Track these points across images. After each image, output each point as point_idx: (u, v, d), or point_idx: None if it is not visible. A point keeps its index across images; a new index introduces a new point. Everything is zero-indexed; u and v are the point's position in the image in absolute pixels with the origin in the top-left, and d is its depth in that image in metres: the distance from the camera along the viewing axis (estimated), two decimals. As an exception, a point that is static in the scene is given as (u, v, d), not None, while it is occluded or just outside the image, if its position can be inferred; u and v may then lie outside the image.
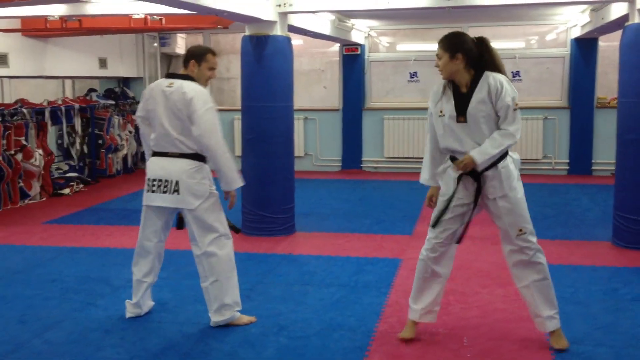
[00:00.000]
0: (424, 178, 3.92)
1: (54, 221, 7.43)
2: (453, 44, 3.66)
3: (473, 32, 10.80)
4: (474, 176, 3.70)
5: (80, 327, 4.22)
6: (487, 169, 3.68)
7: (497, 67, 3.72)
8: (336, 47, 11.23)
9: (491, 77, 3.66)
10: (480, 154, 3.60)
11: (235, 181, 4.16)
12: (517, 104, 3.66)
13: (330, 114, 11.28)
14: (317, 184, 9.91)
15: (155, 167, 4.12)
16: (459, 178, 3.72)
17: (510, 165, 3.74)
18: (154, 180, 4.10)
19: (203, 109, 3.97)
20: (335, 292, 4.84)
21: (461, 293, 4.81)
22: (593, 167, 10.43)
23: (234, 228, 4.26)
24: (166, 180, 4.05)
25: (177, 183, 4.02)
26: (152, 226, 4.25)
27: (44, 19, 7.40)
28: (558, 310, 3.87)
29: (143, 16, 7.18)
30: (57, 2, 6.30)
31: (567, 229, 6.87)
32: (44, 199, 8.69)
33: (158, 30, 10.03)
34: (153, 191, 4.11)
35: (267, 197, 6.60)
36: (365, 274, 5.30)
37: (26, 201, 8.40)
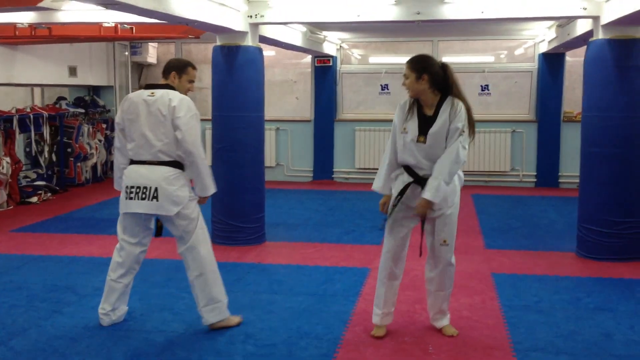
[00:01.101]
0: (378, 186, 4.14)
1: (21, 229, 7.34)
2: (420, 65, 3.87)
3: (443, 46, 11.08)
4: (422, 184, 3.91)
5: (46, 335, 4.18)
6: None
7: (459, 93, 3.94)
8: (308, 58, 11.30)
9: (455, 101, 3.90)
10: (435, 194, 3.85)
11: (210, 187, 4.24)
12: (463, 131, 3.87)
13: (302, 125, 11.33)
14: (288, 194, 9.94)
15: (134, 174, 4.14)
16: (408, 184, 3.96)
17: (456, 181, 4.04)
18: (132, 187, 4.12)
19: (187, 116, 4.08)
20: (303, 301, 4.87)
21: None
22: (560, 180, 10.62)
23: (158, 230, 4.35)
24: (145, 187, 4.08)
25: (156, 190, 4.07)
26: (130, 231, 4.28)
27: (13, 26, 7.34)
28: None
29: (113, 25, 7.16)
30: (26, 10, 6.26)
31: (532, 240, 6.99)
32: (11, 207, 8.58)
33: (129, 39, 10.00)
34: (131, 198, 4.13)
35: (237, 206, 6.60)
36: (334, 283, 5.34)
37: (-8, 209, 8.30)
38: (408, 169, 3.98)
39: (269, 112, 7.13)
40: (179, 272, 5.59)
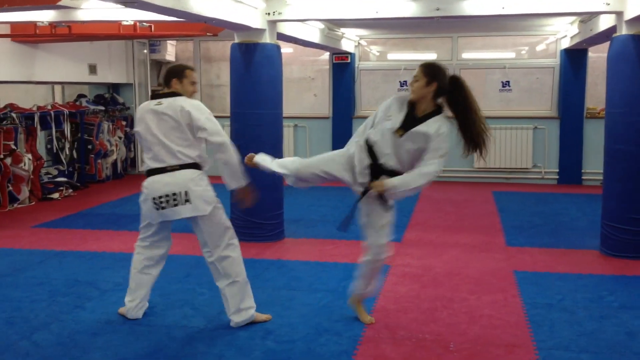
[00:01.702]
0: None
1: (43, 225, 7.41)
2: (433, 72, 3.94)
3: (463, 42, 10.98)
4: (377, 172, 4.03)
5: (67, 329, 4.21)
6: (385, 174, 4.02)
7: (469, 105, 3.96)
8: (326, 55, 11.28)
9: (443, 122, 3.96)
10: (399, 185, 3.95)
11: (244, 176, 4.31)
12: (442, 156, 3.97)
13: (320, 122, 11.31)
14: (307, 190, 9.90)
15: (157, 185, 4.13)
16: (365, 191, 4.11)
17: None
18: (161, 197, 4.11)
19: (204, 117, 4.11)
20: (322, 298, 4.85)
21: (449, 299, 4.84)
22: (583, 177, 10.50)
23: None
24: (174, 194, 4.09)
25: (186, 193, 4.09)
26: (156, 234, 4.35)
27: (34, 24, 7.41)
28: None
29: (132, 23, 7.18)
30: (47, 8, 6.30)
31: (555, 237, 6.91)
32: (33, 203, 8.67)
33: (147, 37, 10.04)
34: (164, 207, 4.12)
35: (256, 203, 6.58)
36: (353, 280, 5.30)
37: (15, 205, 8.37)
38: (373, 167, 4.04)
39: (287, 109, 7.12)
40: (198, 268, 5.62)
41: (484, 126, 3.98)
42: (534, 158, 10.68)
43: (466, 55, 10.97)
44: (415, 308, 4.64)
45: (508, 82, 10.80)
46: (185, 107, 4.10)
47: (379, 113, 4.12)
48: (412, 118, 3.97)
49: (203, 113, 4.13)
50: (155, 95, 4.29)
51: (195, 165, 4.16)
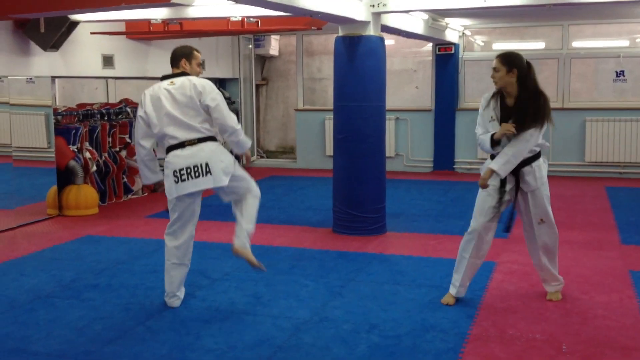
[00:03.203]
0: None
1: (155, 215, 7.75)
2: (511, 60, 4.26)
3: (574, 30, 10.55)
4: (513, 172, 4.33)
5: (180, 316, 4.39)
6: (523, 166, 4.33)
7: (536, 86, 4.30)
8: (428, 46, 11.12)
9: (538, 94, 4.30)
10: (497, 165, 4.29)
11: (247, 143, 4.48)
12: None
13: (422, 114, 11.19)
14: (408, 184, 9.86)
15: (177, 159, 4.30)
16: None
17: (543, 165, 4.45)
18: (181, 169, 4.29)
19: (218, 99, 4.30)
20: (427, 293, 4.81)
21: (561, 299, 4.66)
22: (703, 172, 9.85)
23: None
24: (195, 166, 4.27)
25: (207, 165, 4.27)
26: (187, 213, 4.47)
27: (148, 22, 7.74)
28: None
29: (240, 19, 7.37)
30: (160, 6, 6.57)
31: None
32: (146, 194, 9.08)
33: (254, 32, 10.27)
34: (184, 180, 4.29)
35: (358, 196, 6.63)
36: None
37: (129, 196, 8.81)
38: (493, 158, 4.37)
39: (388, 102, 7.09)
40: (303, 260, 5.72)
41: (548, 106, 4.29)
42: (652, 152, 10.10)
43: (577, 44, 10.51)
44: (524, 307, 4.51)
45: (622, 71, 10.26)
46: (199, 86, 4.29)
47: (480, 119, 4.44)
48: (506, 109, 4.30)
49: (215, 94, 4.30)
50: (165, 77, 4.44)
51: (212, 138, 4.34)
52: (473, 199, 8.49)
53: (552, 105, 4.54)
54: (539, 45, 10.81)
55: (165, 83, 4.38)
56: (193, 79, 4.36)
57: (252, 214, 4.53)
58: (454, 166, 11.02)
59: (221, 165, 4.30)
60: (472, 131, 10.65)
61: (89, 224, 7.26)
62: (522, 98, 4.24)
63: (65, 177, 7.79)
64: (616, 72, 10.26)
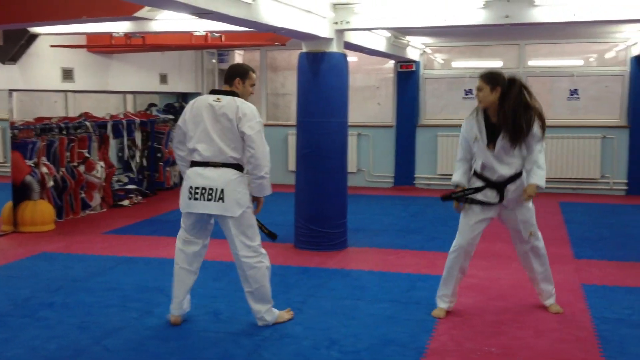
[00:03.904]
0: (456, 179, 4.64)
1: (114, 231, 7.67)
2: (494, 78, 4.41)
3: (530, 49, 10.80)
4: (498, 188, 4.50)
5: (138, 335, 4.35)
6: (509, 182, 4.50)
7: (526, 102, 4.42)
8: (390, 64, 11.27)
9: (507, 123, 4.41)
10: (542, 182, 4.45)
11: (268, 188, 4.37)
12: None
13: (384, 130, 11.31)
14: (370, 199, 9.94)
15: (197, 177, 4.27)
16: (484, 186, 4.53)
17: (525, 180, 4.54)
18: (197, 188, 4.25)
19: (257, 128, 4.21)
20: (387, 308, 4.86)
21: (515, 312, 4.77)
22: (653, 188, 10.16)
23: (271, 234, 4.56)
24: (210, 189, 4.21)
25: (222, 191, 4.20)
26: (196, 227, 4.45)
27: (109, 35, 7.69)
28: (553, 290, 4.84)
29: (204, 33, 7.37)
30: (123, 20, 6.54)
31: (624, 250, 6.71)
32: (104, 210, 8.97)
33: (217, 47, 10.28)
34: (196, 199, 4.26)
35: (320, 212, 6.66)
36: (417, 291, 5.30)
37: (87, 212, 8.68)
38: (479, 176, 4.54)
39: (351, 118, 7.16)
40: (264, 275, 5.70)
41: (530, 117, 4.39)
42: (602, 168, 10.39)
43: (533, 62, 10.78)
44: (481, 320, 4.59)
45: (576, 90, 10.56)
46: (242, 109, 4.20)
47: (464, 142, 4.58)
48: (492, 128, 4.45)
49: (255, 123, 4.21)
50: (214, 91, 4.39)
51: (237, 166, 4.27)
52: (433, 214, 8.67)
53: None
54: (497, 63, 11.05)
55: (212, 98, 4.29)
56: (239, 101, 4.25)
57: (261, 287, 4.42)
58: (414, 182, 11.16)
59: (237, 196, 4.23)
60: (431, 147, 10.95)
61: (45, 241, 7.14)
62: (508, 113, 4.35)
63: (21, 193, 7.65)
64: (570, 90, 10.55)
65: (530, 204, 4.61)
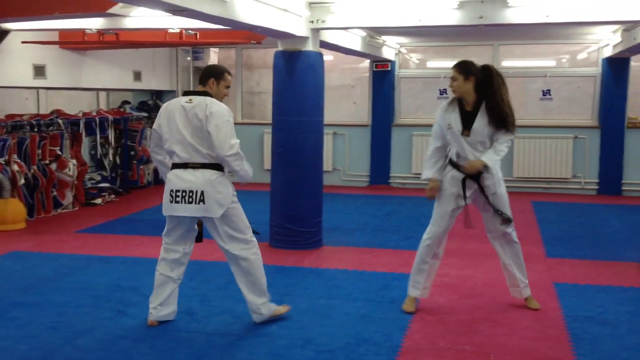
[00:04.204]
0: (428, 175, 4.70)
1: (86, 230, 7.58)
2: (467, 68, 4.54)
3: (504, 50, 10.91)
4: (474, 178, 4.58)
5: (110, 335, 4.30)
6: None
7: (497, 91, 4.51)
8: (366, 63, 11.30)
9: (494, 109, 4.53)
10: (490, 161, 4.51)
11: (246, 174, 4.33)
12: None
13: (359, 130, 11.33)
14: (345, 198, 9.95)
15: (177, 179, 4.24)
16: (464, 180, 4.60)
17: (499, 169, 4.67)
18: (177, 191, 4.23)
19: (220, 126, 4.14)
20: (361, 307, 4.87)
21: (488, 310, 4.81)
22: (623, 188, 10.32)
23: (253, 232, 4.49)
24: (190, 191, 4.19)
25: (202, 193, 4.18)
26: (174, 233, 4.43)
27: (82, 32, 7.60)
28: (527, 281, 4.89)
29: (179, 31, 7.32)
30: (96, 16, 6.47)
31: (595, 249, 6.81)
32: (77, 208, 8.86)
33: (192, 45, 10.22)
34: (177, 202, 4.23)
35: (295, 211, 6.65)
36: (392, 290, 5.31)
37: (59, 210, 8.57)
38: (455, 165, 4.62)
39: (326, 117, 7.17)
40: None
41: (509, 110, 4.52)
42: (574, 168, 10.53)
43: (506, 63, 10.88)
44: (454, 319, 4.63)
45: (549, 90, 10.69)
46: (210, 108, 4.17)
47: (438, 129, 4.67)
48: (466, 115, 4.56)
49: (221, 118, 4.15)
50: (186, 92, 4.38)
51: (216, 166, 4.24)
52: (407, 213, 8.71)
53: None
54: (471, 63, 11.13)
55: (184, 100, 4.27)
56: (210, 101, 4.22)
57: (256, 280, 4.42)
58: (389, 181, 11.20)
59: (217, 197, 4.19)
60: (406, 146, 11.00)
61: (16, 239, 7.03)
62: (489, 102, 4.47)
63: (-8, 190, 7.52)
64: (543, 91, 10.68)
65: (504, 191, 4.70)
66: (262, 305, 4.44)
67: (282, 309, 4.59)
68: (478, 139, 4.53)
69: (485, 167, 4.50)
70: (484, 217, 4.78)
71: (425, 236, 4.76)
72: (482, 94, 4.52)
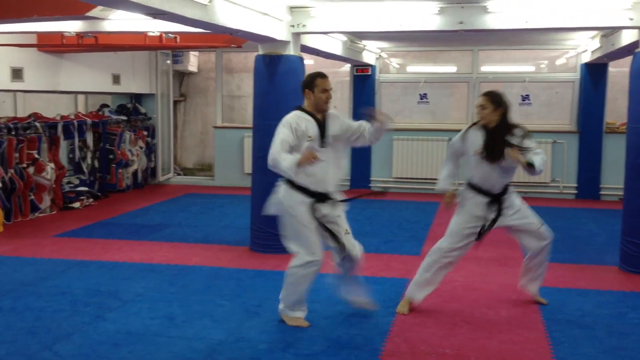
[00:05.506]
0: (442, 186, 4.87)
1: (64, 234, 7.49)
2: (499, 100, 4.75)
3: (483, 55, 10.97)
4: (497, 201, 4.74)
5: (89, 340, 4.25)
6: (504, 193, 4.77)
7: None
8: (347, 67, 11.32)
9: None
10: (540, 165, 4.63)
11: (289, 173, 4.40)
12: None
13: (340, 134, 11.31)
14: (326, 203, 9.91)
15: None
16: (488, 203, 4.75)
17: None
18: None
19: (275, 134, 4.43)
20: (342, 311, 4.86)
21: (468, 314, 4.83)
22: (601, 192, 10.43)
23: (378, 193, 4.70)
24: None
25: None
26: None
27: (60, 34, 7.52)
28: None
29: (158, 34, 7.27)
30: (75, 19, 6.40)
31: (574, 253, 6.87)
32: (54, 212, 8.77)
33: (172, 48, 10.17)
34: None
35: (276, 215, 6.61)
36: (373, 293, 5.29)
37: (36, 214, 8.47)
38: (479, 190, 4.74)
39: (308, 121, 7.16)
40: (219, 279, 5.66)
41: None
42: (552, 172, 10.62)
43: (486, 68, 10.97)
44: (435, 322, 4.64)
45: (528, 95, 10.78)
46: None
47: (454, 151, 4.90)
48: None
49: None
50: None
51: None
52: (388, 217, 8.72)
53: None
54: (451, 69, 11.21)
55: None
56: (287, 115, 4.44)
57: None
58: (370, 185, 11.21)
59: (272, 199, 4.58)
60: (387, 150, 11.02)
61: (-7, 243, 6.94)
62: (501, 129, 4.69)
63: (-32, 194, 7.42)
64: (522, 96, 10.77)
65: (519, 202, 4.85)
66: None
67: (293, 322, 4.58)
68: (502, 164, 4.67)
69: (529, 165, 4.54)
70: (521, 242, 4.93)
71: (443, 251, 4.81)
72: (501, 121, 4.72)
